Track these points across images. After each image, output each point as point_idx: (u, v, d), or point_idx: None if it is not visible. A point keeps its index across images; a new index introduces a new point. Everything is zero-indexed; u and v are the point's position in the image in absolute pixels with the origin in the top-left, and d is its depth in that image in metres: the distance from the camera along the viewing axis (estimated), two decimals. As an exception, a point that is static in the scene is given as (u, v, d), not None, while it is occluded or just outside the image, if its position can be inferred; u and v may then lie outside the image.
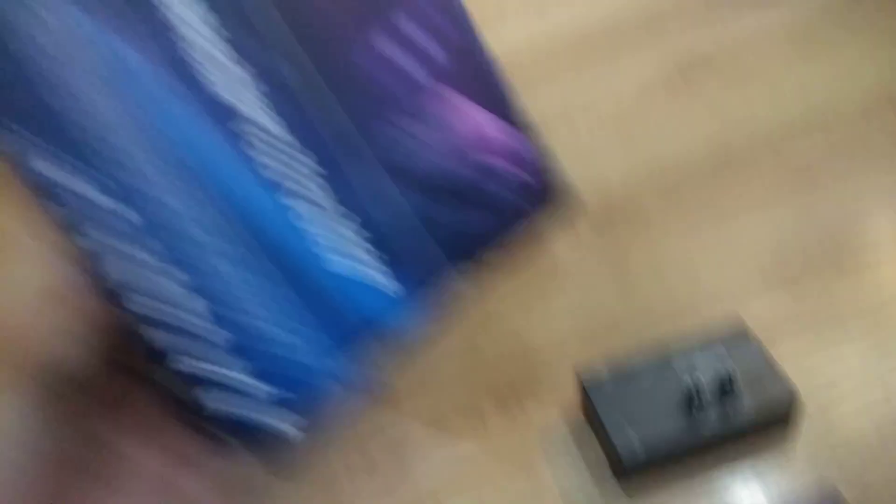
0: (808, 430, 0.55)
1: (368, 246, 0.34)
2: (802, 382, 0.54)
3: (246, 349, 0.32)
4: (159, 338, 0.31)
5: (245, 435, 0.33)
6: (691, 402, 0.53)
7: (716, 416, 0.52)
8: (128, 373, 0.37)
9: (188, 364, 0.31)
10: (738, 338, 0.56)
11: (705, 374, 0.54)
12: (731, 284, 0.65)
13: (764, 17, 0.91)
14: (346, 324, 0.33)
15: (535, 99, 0.88)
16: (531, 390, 0.60)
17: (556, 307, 0.66)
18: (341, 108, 0.31)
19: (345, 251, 0.33)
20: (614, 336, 0.62)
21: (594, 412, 0.55)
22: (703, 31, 0.91)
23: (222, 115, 0.30)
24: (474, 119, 0.34)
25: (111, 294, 0.30)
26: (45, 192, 0.29)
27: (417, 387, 0.62)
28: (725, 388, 0.53)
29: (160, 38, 0.28)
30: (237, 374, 0.32)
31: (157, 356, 0.32)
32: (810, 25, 0.89)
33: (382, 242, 0.34)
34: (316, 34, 0.31)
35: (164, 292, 0.31)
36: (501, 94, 0.38)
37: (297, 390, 0.34)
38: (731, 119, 0.80)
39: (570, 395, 0.59)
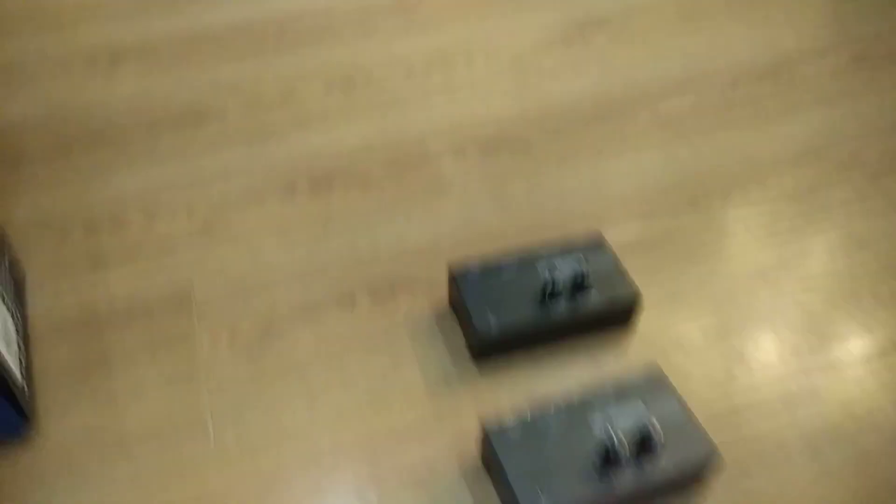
0: (644, 326, 0.61)
1: None
2: (646, 291, 0.60)
3: None
4: None
5: None
6: (546, 293, 0.58)
7: (566, 307, 0.58)
8: None
9: None
10: (595, 247, 0.62)
11: (563, 273, 0.59)
12: (596, 210, 0.71)
13: (657, -7, 0.99)
14: None
15: (441, 34, 0.91)
16: (405, 286, 0.64)
17: (438, 215, 0.70)
18: None
19: None
20: (488, 242, 0.67)
21: (460, 298, 0.59)
22: (602, -2, 0.98)
23: None
24: None
25: None
26: None
27: (294, 277, 0.64)
28: (578, 285, 0.58)
29: None
30: None
31: None
32: (697, 2, 0.98)
33: None
34: None
35: None
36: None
37: None
38: (616, 75, 0.86)
39: (442, 291, 0.63)
